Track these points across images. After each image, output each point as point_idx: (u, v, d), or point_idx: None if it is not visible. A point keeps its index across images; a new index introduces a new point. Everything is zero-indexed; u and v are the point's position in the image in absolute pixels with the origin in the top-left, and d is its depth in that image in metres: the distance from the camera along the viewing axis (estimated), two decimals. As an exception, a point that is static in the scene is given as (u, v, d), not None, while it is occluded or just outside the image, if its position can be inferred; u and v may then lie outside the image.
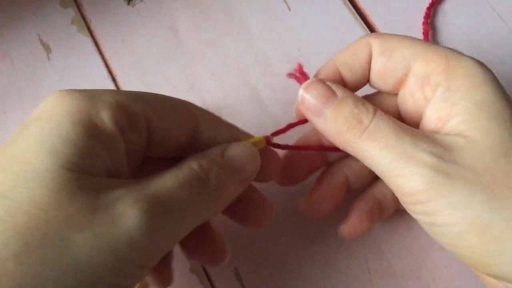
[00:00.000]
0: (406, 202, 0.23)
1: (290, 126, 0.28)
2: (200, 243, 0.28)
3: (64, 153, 0.20)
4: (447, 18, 0.38)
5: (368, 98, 0.28)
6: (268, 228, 0.34)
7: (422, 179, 0.22)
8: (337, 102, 0.24)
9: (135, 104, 0.23)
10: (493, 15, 0.38)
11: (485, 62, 0.24)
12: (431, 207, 0.22)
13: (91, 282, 0.19)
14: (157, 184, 0.22)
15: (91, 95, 0.22)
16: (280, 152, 0.29)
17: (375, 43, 0.26)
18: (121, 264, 0.20)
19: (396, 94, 0.27)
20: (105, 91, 0.23)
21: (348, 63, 0.26)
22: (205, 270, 0.33)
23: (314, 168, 0.30)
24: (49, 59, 0.41)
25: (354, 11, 0.39)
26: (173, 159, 0.27)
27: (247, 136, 0.27)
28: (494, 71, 0.24)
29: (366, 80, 0.27)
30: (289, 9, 0.40)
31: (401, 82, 0.26)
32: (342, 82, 0.27)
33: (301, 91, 0.25)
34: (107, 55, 0.41)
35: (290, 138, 0.29)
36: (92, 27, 0.42)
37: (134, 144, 0.23)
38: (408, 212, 0.24)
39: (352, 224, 0.29)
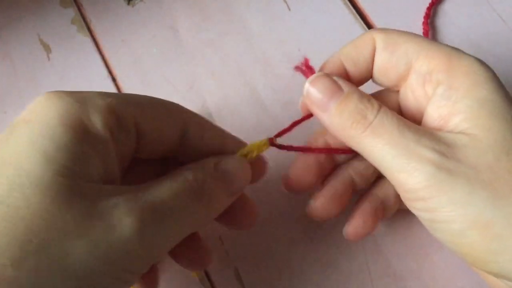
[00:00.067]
0: (408, 199, 0.24)
1: (294, 124, 0.28)
2: (185, 248, 0.28)
3: (58, 159, 0.20)
4: (447, 18, 0.38)
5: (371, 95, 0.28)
6: (268, 228, 0.34)
7: (424, 175, 0.22)
8: (342, 97, 0.24)
9: (124, 106, 0.23)
10: (493, 15, 0.38)
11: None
12: (433, 204, 0.22)
13: (86, 286, 0.19)
14: (152, 194, 0.22)
15: (80, 98, 0.22)
16: (292, 155, 0.28)
17: (379, 38, 0.26)
18: (115, 270, 0.20)
19: (398, 92, 0.27)
20: (93, 94, 0.23)
21: (353, 57, 0.27)
22: (205, 270, 0.33)
23: (324, 171, 0.30)
24: (49, 59, 0.41)
25: (354, 11, 0.39)
26: (161, 161, 0.28)
27: (234, 139, 0.28)
28: (494, 70, 0.24)
29: (370, 75, 0.27)
30: (289, 9, 0.40)
31: (402, 78, 0.26)
32: (346, 76, 0.27)
33: (307, 85, 0.25)
34: (107, 55, 0.41)
35: (293, 136, 0.29)
36: (92, 27, 0.42)
37: (124, 147, 0.24)
38: (409, 208, 0.24)
39: (356, 225, 0.29)
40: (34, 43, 0.42)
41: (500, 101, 0.23)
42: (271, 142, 0.27)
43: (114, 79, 0.40)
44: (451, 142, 0.22)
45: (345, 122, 0.24)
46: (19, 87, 0.40)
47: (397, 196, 0.29)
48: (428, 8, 0.38)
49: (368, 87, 0.28)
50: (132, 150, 0.24)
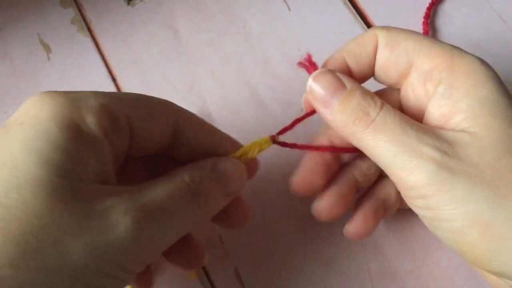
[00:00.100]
0: (409, 196, 0.23)
1: (297, 121, 0.28)
2: (179, 248, 0.28)
3: (53, 160, 0.20)
4: (447, 18, 0.38)
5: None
6: (268, 228, 0.34)
7: (426, 173, 0.22)
8: (345, 93, 0.24)
9: (117, 106, 0.23)
10: (493, 15, 0.38)
11: (485, 62, 0.24)
12: (434, 202, 0.22)
13: (83, 285, 0.20)
14: (148, 194, 0.22)
15: (73, 99, 0.22)
16: (292, 155, 0.28)
17: (381, 35, 0.26)
18: (112, 270, 0.21)
19: (399, 90, 0.27)
20: (86, 94, 0.23)
21: (355, 54, 0.27)
22: (205, 270, 0.33)
23: (331, 172, 0.29)
24: (49, 59, 0.41)
25: (354, 11, 0.40)
26: (155, 159, 0.28)
27: (227, 137, 0.28)
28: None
29: (372, 72, 0.27)
30: (289, 9, 0.41)
31: (403, 76, 0.26)
32: (349, 73, 0.27)
33: (310, 81, 0.25)
34: (107, 55, 0.41)
35: (296, 134, 0.28)
36: (92, 27, 0.42)
37: (118, 146, 0.24)
38: (410, 206, 0.24)
39: (357, 224, 0.29)
40: (34, 43, 0.42)
41: (501, 100, 0.23)
42: (274, 139, 0.27)
43: (114, 79, 0.40)
44: (452, 141, 0.22)
45: (347, 119, 0.24)
46: (19, 87, 0.40)
47: (398, 196, 0.29)
48: (428, 8, 0.38)
49: (369, 86, 0.28)
50: (126, 149, 0.25)
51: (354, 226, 0.29)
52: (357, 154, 0.29)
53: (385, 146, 0.23)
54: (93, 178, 0.22)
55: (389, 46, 0.26)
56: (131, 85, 0.39)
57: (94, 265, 0.20)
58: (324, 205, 0.28)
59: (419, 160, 0.22)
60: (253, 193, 0.35)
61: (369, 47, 0.26)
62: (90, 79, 0.40)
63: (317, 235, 0.33)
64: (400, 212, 0.31)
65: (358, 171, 0.29)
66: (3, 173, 0.20)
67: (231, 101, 0.38)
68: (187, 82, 0.39)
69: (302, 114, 0.28)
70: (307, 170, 0.28)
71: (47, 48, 0.41)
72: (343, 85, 0.25)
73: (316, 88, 0.25)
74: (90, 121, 0.22)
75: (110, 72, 0.40)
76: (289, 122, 0.28)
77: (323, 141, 0.29)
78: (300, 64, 0.27)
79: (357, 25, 0.39)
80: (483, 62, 0.24)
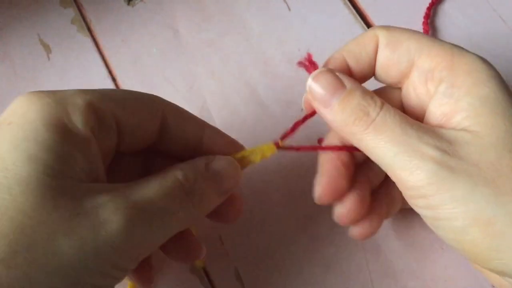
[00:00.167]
0: (410, 196, 0.23)
1: (297, 124, 0.27)
2: (176, 242, 0.28)
3: (42, 159, 0.20)
4: (447, 18, 0.38)
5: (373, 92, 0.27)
6: (268, 228, 0.34)
7: (426, 173, 0.22)
8: (345, 93, 0.24)
9: (103, 103, 0.24)
10: (493, 15, 0.38)
11: (485, 62, 0.24)
12: (434, 201, 0.22)
13: (75, 283, 0.20)
14: (140, 192, 0.22)
15: (60, 98, 0.23)
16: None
17: (382, 35, 0.26)
18: (104, 267, 0.21)
19: (400, 89, 0.27)
20: (73, 93, 0.23)
21: (356, 54, 0.26)
22: (205, 270, 0.33)
23: (351, 173, 0.28)
24: (49, 59, 0.41)
25: (354, 11, 0.40)
26: (144, 156, 0.28)
27: (214, 130, 0.28)
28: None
29: (373, 72, 0.27)
30: (289, 9, 0.41)
31: (404, 76, 0.26)
32: (349, 73, 0.27)
33: (309, 80, 0.25)
34: (107, 55, 0.41)
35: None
36: (92, 27, 0.42)
37: (106, 144, 0.24)
38: (411, 206, 0.24)
39: (362, 225, 0.29)
40: (34, 43, 0.42)
41: (502, 99, 0.23)
42: (278, 146, 0.27)
43: (114, 79, 0.40)
44: (453, 140, 0.22)
45: (347, 118, 0.24)
46: (19, 87, 0.40)
47: (401, 196, 0.29)
48: (428, 8, 0.38)
49: (370, 85, 0.28)
50: (114, 146, 0.25)
51: (358, 227, 0.29)
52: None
53: (385, 146, 0.23)
54: (82, 177, 0.22)
55: (390, 45, 0.26)
56: (131, 85, 0.39)
57: (86, 262, 0.20)
58: (347, 210, 0.27)
59: (419, 160, 0.22)
60: (253, 193, 0.35)
61: (369, 47, 0.26)
62: (90, 79, 0.40)
63: (317, 235, 0.33)
64: (400, 212, 0.31)
65: (371, 171, 0.29)
66: None
67: (231, 101, 0.38)
68: (187, 82, 0.39)
69: (302, 114, 0.28)
70: (329, 176, 0.27)
71: (47, 48, 0.41)
72: (343, 85, 0.25)
73: (315, 87, 0.25)
74: (77, 119, 0.22)
75: (110, 72, 0.40)
76: (290, 122, 0.28)
77: (333, 141, 0.28)
78: (300, 63, 0.27)
79: (357, 25, 0.39)
80: (484, 60, 0.24)
